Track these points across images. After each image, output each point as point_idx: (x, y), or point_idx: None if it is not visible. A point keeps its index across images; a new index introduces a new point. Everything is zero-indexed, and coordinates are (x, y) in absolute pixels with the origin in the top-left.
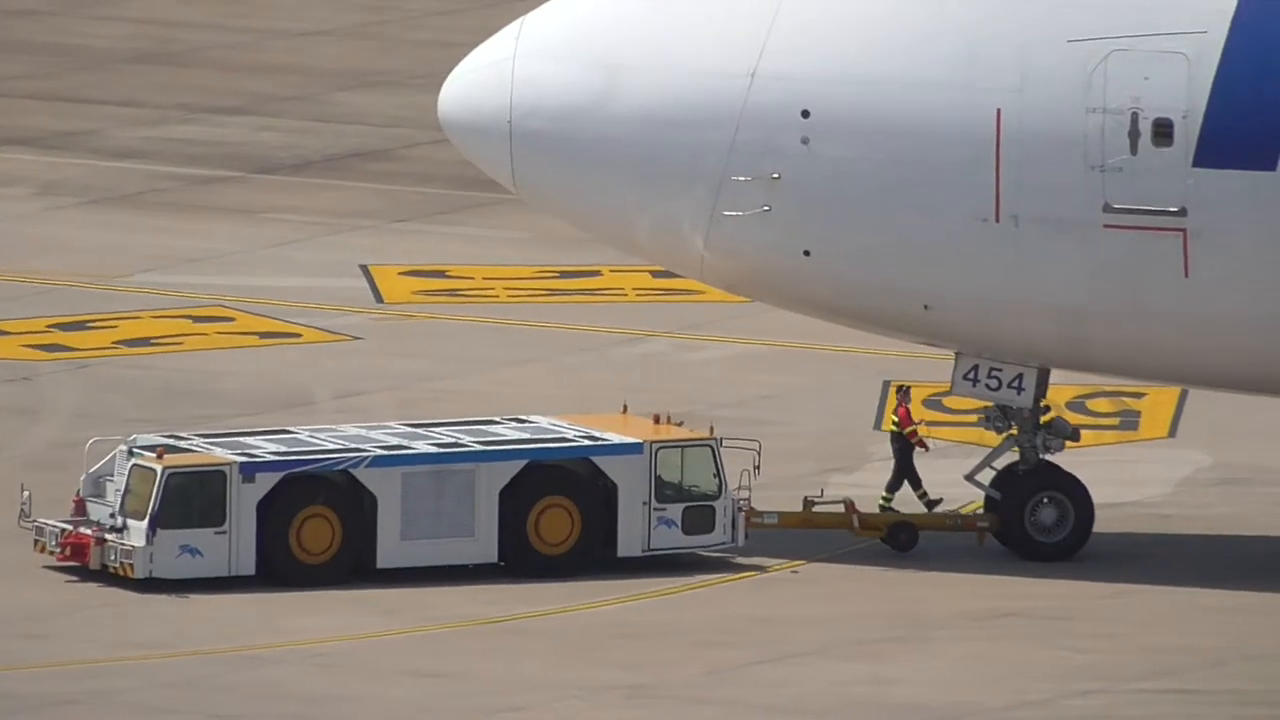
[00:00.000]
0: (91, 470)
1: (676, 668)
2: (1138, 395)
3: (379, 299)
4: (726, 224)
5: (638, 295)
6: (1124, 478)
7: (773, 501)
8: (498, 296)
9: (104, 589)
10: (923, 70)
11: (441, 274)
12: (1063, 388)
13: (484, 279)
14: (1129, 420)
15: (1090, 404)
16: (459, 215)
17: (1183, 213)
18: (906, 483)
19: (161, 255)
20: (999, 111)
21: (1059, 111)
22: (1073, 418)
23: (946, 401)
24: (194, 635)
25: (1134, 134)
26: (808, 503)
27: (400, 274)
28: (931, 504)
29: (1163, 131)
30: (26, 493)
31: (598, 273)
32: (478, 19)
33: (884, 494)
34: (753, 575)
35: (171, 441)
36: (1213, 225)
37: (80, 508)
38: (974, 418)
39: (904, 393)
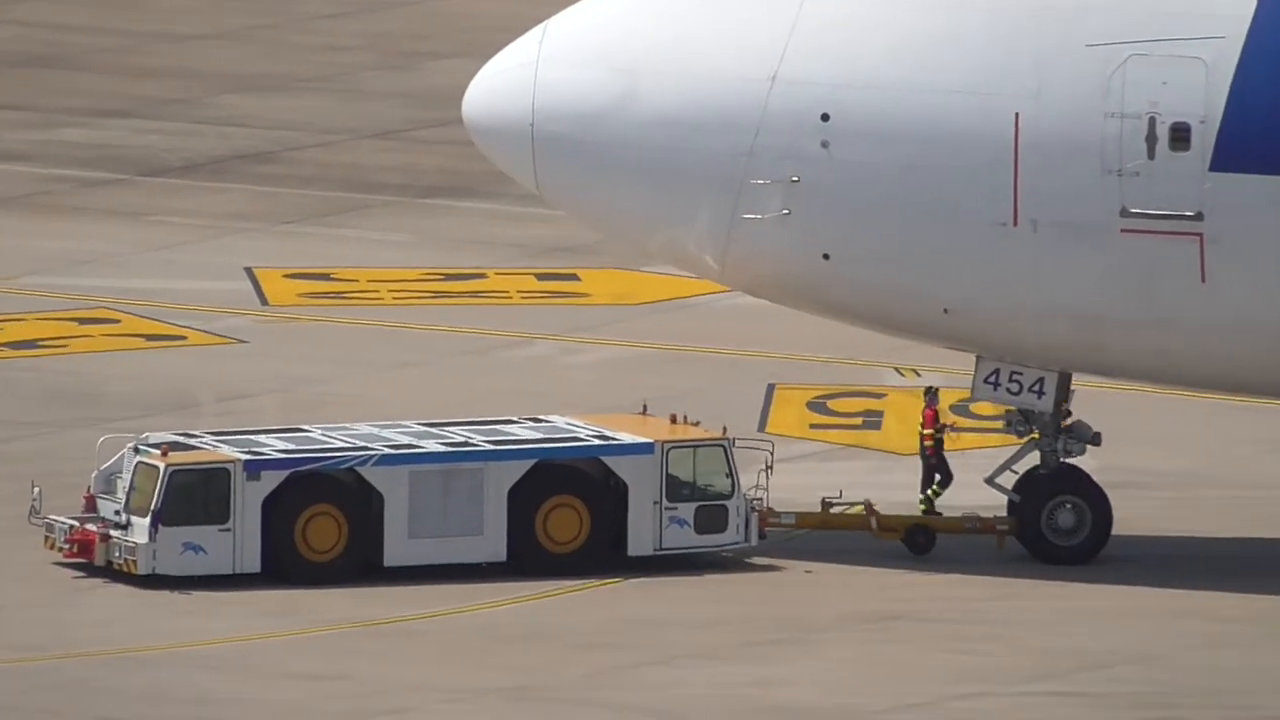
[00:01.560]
0: (103, 467)
1: (560, 670)
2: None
3: (264, 301)
4: (746, 227)
5: (523, 298)
6: (1010, 481)
7: None
8: (382, 299)
9: None
10: (942, 75)
11: (326, 276)
12: (948, 391)
13: (369, 281)
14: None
15: (974, 407)
16: (344, 218)
17: (1199, 217)
18: (922, 480)
19: (47, 258)
20: (1017, 116)
21: (1077, 116)
22: (958, 420)
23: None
24: (75, 638)
25: (1151, 139)
26: (825, 504)
27: (285, 276)
28: (930, 509)
29: (1180, 136)
30: (37, 489)
31: (483, 275)
32: (364, 23)
33: (921, 495)
34: (638, 577)
35: (181, 439)
36: (1230, 230)
37: (91, 504)
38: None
39: (931, 394)
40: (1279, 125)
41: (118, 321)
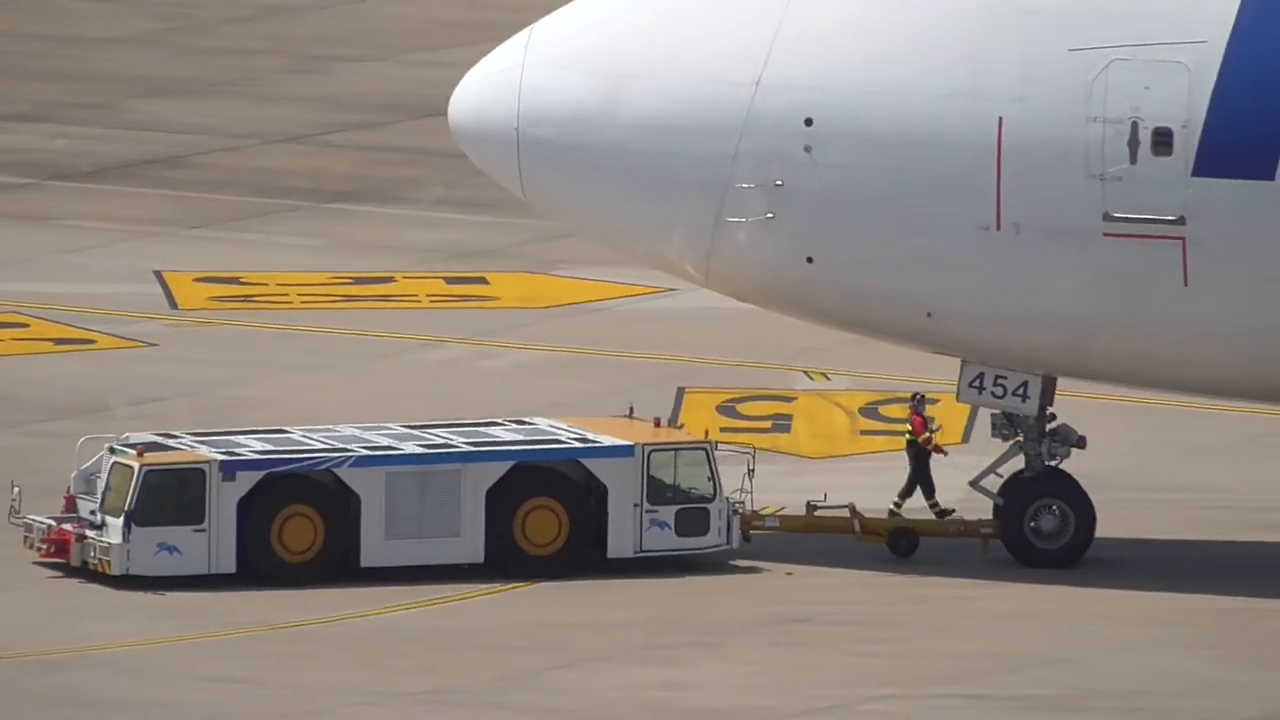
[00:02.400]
0: (83, 467)
1: (470, 673)
2: (932, 402)
3: (173, 305)
4: (730, 231)
5: (432, 302)
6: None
7: None
8: (292, 303)
9: None
10: (925, 79)
11: (236, 280)
12: (856, 393)
13: (278, 285)
14: None
15: (884, 410)
16: (252, 222)
17: (1182, 222)
18: (920, 492)
19: None
20: (1000, 120)
21: (1060, 121)
22: (865, 423)
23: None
24: None
25: (1134, 143)
26: (810, 507)
27: (195, 280)
28: (943, 514)
29: (1162, 141)
30: (17, 489)
31: (392, 279)
32: (272, 27)
33: (895, 500)
34: (546, 582)
35: (160, 439)
36: (1212, 234)
37: (70, 505)
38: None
39: (919, 400)
40: (1261, 130)
41: (26, 326)
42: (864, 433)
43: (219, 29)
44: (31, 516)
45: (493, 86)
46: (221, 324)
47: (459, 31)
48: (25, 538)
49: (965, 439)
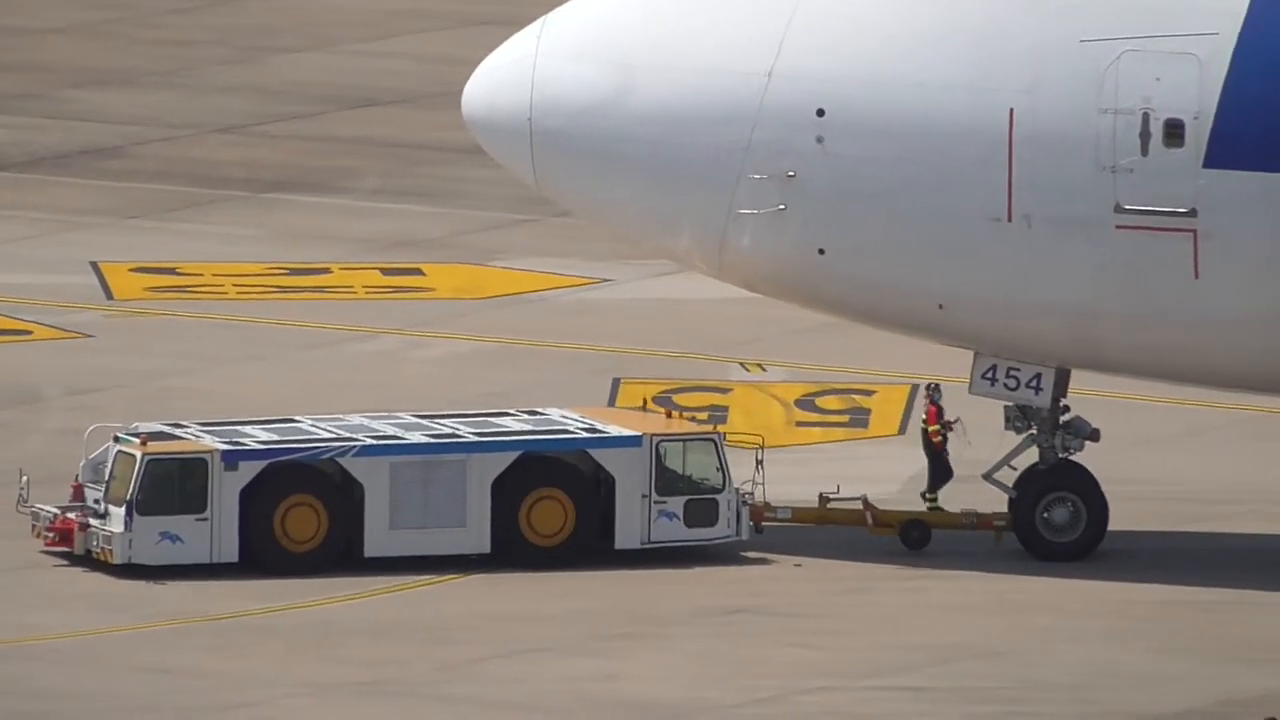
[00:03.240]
0: (91, 456)
1: (409, 664)
2: (867, 393)
3: (110, 296)
4: (742, 222)
5: (367, 293)
6: (854, 474)
7: None
8: (227, 293)
9: None
10: (936, 70)
11: (172, 271)
12: (791, 385)
13: (214, 276)
14: (859, 418)
15: (819, 401)
16: (189, 212)
17: (1193, 213)
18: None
19: None
20: (1012, 111)
21: (1071, 112)
22: (800, 415)
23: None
24: None
25: (1145, 135)
26: (823, 498)
27: (131, 271)
28: (934, 508)
29: (1174, 132)
30: (25, 478)
31: (327, 270)
32: (209, 17)
33: (927, 494)
34: (484, 573)
35: (167, 429)
36: (1223, 226)
37: (79, 493)
38: (845, 419)
39: (935, 390)
40: (1272, 121)
41: None
42: (799, 424)
43: (162, 20)
44: (39, 505)
45: (505, 77)
46: (158, 314)
47: (398, 22)
48: (33, 526)
49: (901, 430)
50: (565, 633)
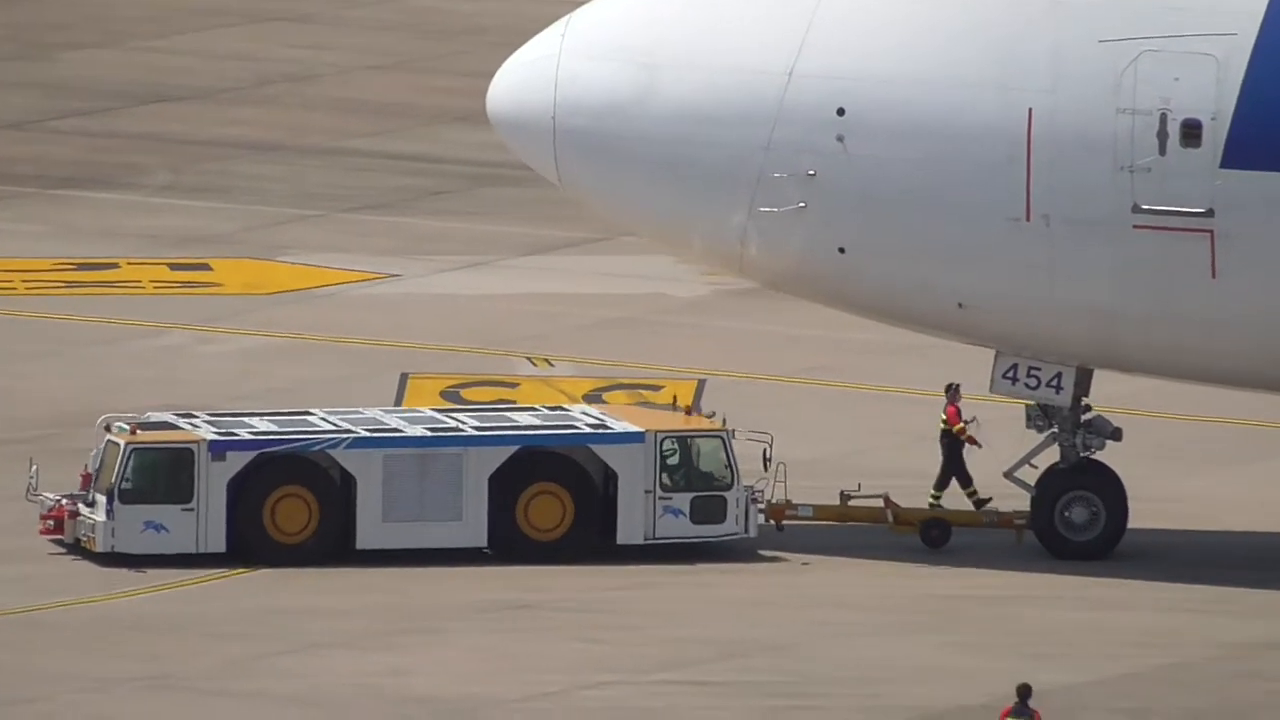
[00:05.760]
0: (101, 445)
1: (195, 659)
2: (655, 389)
3: None
4: (763, 221)
5: (155, 288)
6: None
7: None
8: (16, 289)
9: None
10: (956, 70)
11: None
12: (579, 380)
13: (2, 271)
14: None
15: (607, 396)
16: None
17: (1210, 214)
18: (956, 481)
19: None
20: (1030, 111)
21: (1090, 112)
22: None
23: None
24: None
25: (1163, 135)
26: (844, 496)
27: None
28: (980, 503)
29: (1191, 133)
30: (35, 467)
31: (116, 265)
32: (3, 13)
33: (932, 491)
34: (271, 569)
35: (172, 419)
36: (1240, 227)
37: (87, 482)
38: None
39: (953, 390)
40: None
41: None
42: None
43: None
44: (46, 494)
45: (529, 76)
46: None
47: (189, 19)
48: (41, 515)
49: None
50: (350, 628)
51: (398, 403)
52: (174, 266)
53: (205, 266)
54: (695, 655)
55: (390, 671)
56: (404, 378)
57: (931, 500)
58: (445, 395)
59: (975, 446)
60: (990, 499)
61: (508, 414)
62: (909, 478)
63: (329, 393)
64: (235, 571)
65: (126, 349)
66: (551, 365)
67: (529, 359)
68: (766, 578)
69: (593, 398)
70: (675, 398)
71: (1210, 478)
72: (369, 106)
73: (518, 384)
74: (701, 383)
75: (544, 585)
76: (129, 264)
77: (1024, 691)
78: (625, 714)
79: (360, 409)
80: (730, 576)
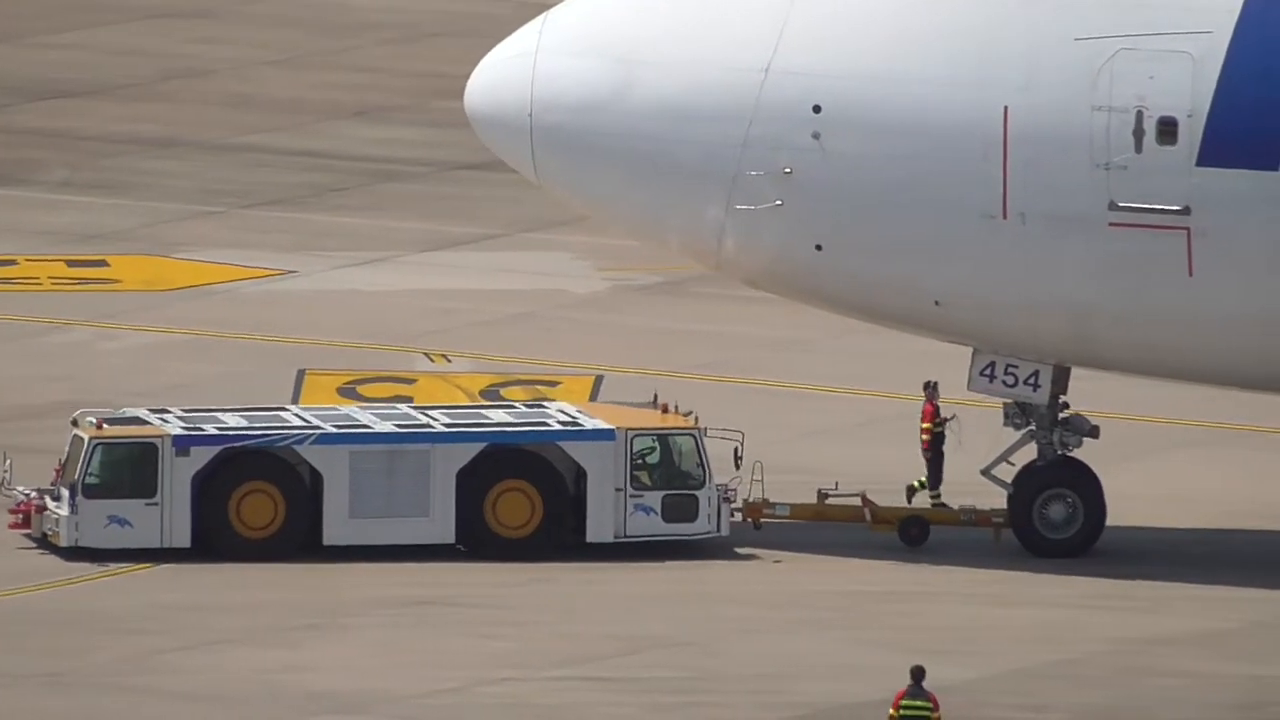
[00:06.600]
0: None
1: (92, 655)
2: (552, 384)
3: None
4: (740, 218)
5: (53, 284)
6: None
7: None
8: None
9: None
10: (932, 67)
11: None
12: (477, 376)
13: None
14: None
15: (504, 392)
16: None
17: (1186, 211)
18: (925, 478)
19: None
20: (1007, 109)
21: (1066, 110)
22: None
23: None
24: None
25: (1139, 133)
26: (821, 495)
27: None
28: (941, 506)
29: (1167, 130)
30: (9, 461)
31: (13, 261)
32: None
33: (932, 492)
34: (173, 564)
35: (142, 415)
36: (1216, 224)
37: (60, 476)
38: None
39: (932, 387)
40: (1265, 120)
41: None
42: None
43: None
44: (20, 488)
45: (506, 72)
46: None
47: (85, 14)
48: (12, 511)
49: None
50: (248, 623)
51: (295, 400)
52: (72, 263)
53: (103, 263)
54: (593, 650)
55: (289, 667)
56: (301, 373)
57: (932, 500)
58: (342, 391)
59: (924, 449)
60: (945, 506)
61: (482, 411)
62: (805, 473)
63: (226, 389)
64: (140, 566)
65: (25, 346)
66: (449, 361)
67: (427, 355)
68: (663, 574)
69: (490, 394)
70: (656, 394)
71: (1121, 473)
72: (267, 102)
73: (415, 380)
74: (599, 378)
75: (444, 581)
76: (26, 260)
77: (918, 673)
78: (525, 710)
79: (337, 406)
80: (628, 573)
